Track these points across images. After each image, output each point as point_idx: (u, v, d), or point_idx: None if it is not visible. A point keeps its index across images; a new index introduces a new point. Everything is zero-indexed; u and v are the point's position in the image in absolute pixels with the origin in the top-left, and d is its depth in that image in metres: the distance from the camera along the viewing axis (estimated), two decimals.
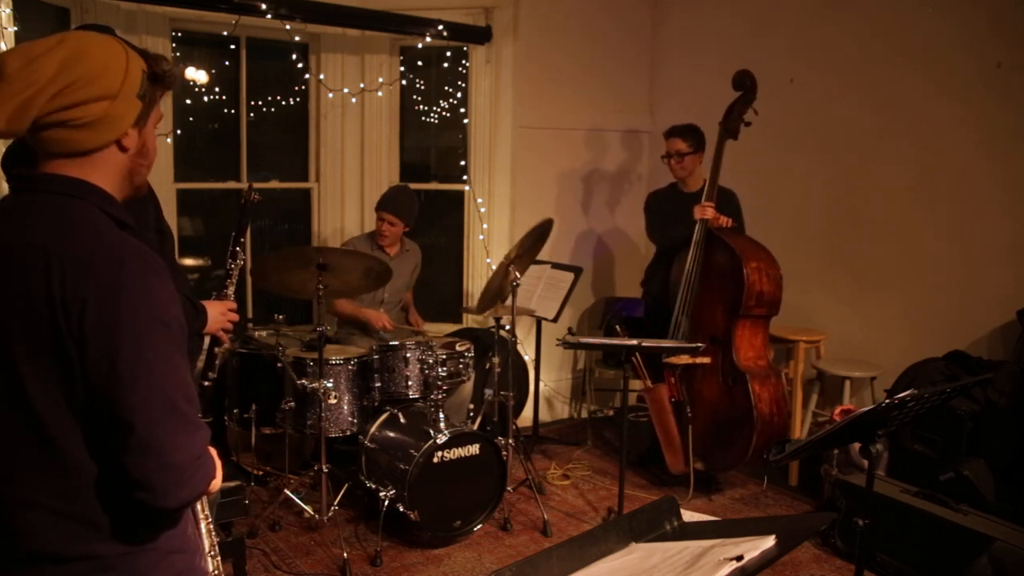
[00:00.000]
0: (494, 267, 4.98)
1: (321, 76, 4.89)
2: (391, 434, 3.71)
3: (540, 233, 3.97)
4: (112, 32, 2.03)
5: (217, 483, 1.47)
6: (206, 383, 2.55)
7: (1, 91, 1.21)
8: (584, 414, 5.50)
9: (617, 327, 3.98)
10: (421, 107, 5.27)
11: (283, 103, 4.95)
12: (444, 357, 3.79)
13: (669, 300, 4.21)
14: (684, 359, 4.07)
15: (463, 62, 5.17)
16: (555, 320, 4.78)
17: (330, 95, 4.91)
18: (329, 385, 3.62)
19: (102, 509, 1.25)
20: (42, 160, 1.29)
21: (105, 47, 1.28)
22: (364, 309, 4.35)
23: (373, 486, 3.64)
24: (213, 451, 1.42)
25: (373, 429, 3.76)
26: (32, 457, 1.24)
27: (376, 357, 3.80)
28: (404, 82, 5.17)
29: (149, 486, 1.21)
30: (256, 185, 4.80)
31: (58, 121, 1.24)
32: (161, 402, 1.21)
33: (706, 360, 4.06)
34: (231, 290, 2.53)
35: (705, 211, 4.06)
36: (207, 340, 2.53)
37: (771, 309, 4.07)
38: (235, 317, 2.36)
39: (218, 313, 2.31)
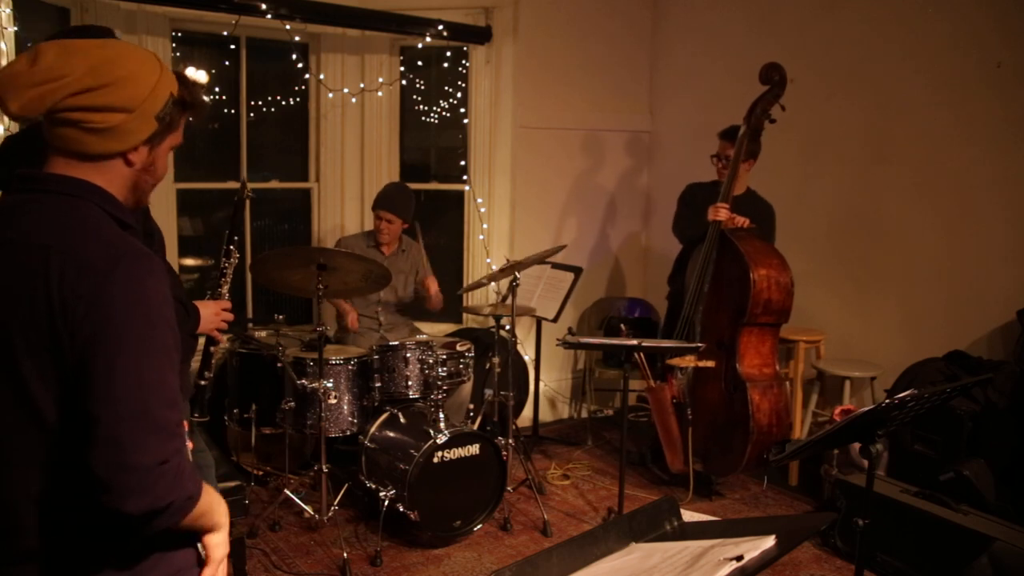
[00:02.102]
0: (494, 267, 4.99)
1: (321, 76, 4.89)
2: (391, 434, 3.71)
3: (550, 254, 4.01)
4: (111, 34, 2.04)
5: (223, 532, 1.39)
6: (203, 382, 2.54)
7: (28, 76, 1.23)
8: (584, 414, 5.50)
9: (622, 326, 3.96)
10: (421, 107, 5.27)
11: (283, 103, 4.95)
12: (444, 357, 3.79)
13: (683, 300, 4.16)
14: (688, 361, 4.04)
15: (463, 62, 5.17)
16: (555, 320, 4.78)
17: (330, 95, 4.91)
18: (329, 385, 3.63)
19: (102, 507, 1.25)
20: (50, 156, 1.31)
21: (141, 61, 1.29)
22: (343, 303, 4.36)
23: (373, 486, 3.64)
24: (214, 494, 1.35)
25: (373, 429, 3.76)
26: (34, 453, 1.24)
27: (376, 357, 3.80)
28: (404, 82, 5.17)
29: (108, 486, 1.17)
30: (256, 185, 4.88)
31: (72, 120, 1.25)
32: (133, 400, 1.18)
33: (710, 364, 3.99)
34: (225, 289, 2.52)
35: (718, 212, 3.97)
36: (202, 340, 2.52)
37: (780, 317, 3.98)
38: (229, 317, 2.35)
39: (211, 313, 2.30)
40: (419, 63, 5.22)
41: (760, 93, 4.04)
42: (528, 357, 5.12)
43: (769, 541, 1.48)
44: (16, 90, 1.23)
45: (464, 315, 5.22)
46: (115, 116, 1.27)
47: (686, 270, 4.23)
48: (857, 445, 3.27)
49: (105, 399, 1.17)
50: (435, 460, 3.49)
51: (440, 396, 3.71)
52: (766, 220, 4.16)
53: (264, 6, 4.22)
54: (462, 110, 5.21)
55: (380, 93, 5.03)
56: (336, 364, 3.74)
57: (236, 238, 2.59)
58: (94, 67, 1.24)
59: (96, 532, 1.26)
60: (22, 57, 1.26)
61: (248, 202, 2.90)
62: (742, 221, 4.01)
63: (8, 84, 1.23)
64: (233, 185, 4.79)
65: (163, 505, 1.19)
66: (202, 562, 1.40)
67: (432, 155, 5.50)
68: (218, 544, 1.39)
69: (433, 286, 4.43)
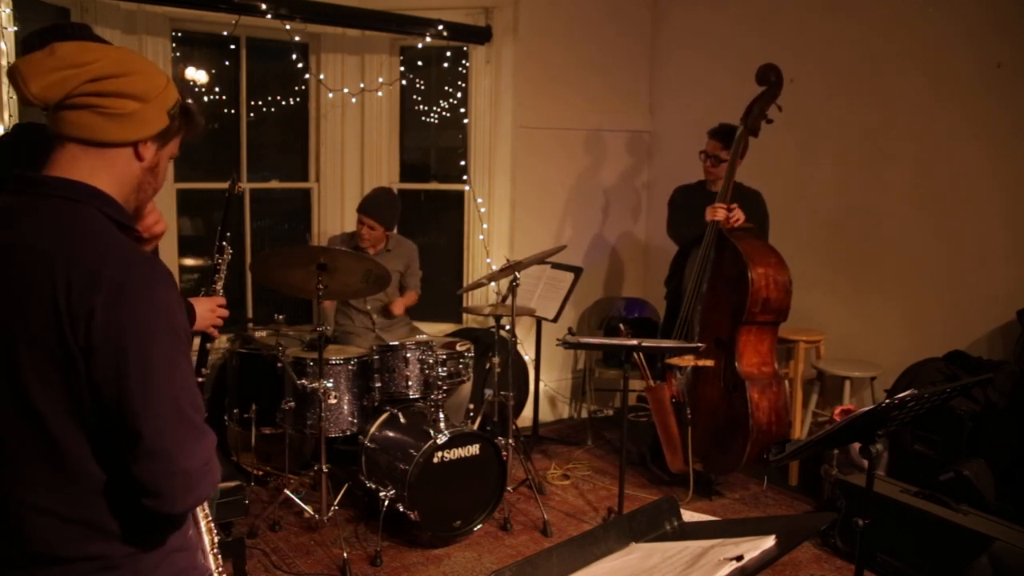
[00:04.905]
0: (494, 267, 4.99)
1: (321, 76, 4.89)
2: (391, 434, 3.71)
3: (550, 254, 4.01)
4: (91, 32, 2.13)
5: None
6: (200, 379, 2.54)
7: (49, 62, 1.26)
8: (584, 414, 5.49)
9: (621, 326, 3.97)
10: (421, 107, 5.27)
11: (283, 103, 4.95)
12: (444, 357, 3.79)
13: (681, 300, 4.17)
14: (687, 360, 4.03)
15: (463, 62, 5.17)
16: (555, 320, 4.78)
17: (330, 95, 4.91)
18: (329, 385, 3.62)
19: (108, 513, 1.25)
20: (55, 150, 1.30)
21: (151, 65, 1.37)
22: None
23: (373, 486, 3.64)
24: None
25: (373, 429, 3.76)
26: (38, 462, 1.23)
27: (376, 357, 3.80)
28: (404, 82, 5.17)
29: (158, 493, 1.22)
30: (256, 185, 4.88)
31: (89, 104, 1.27)
32: (169, 410, 1.22)
33: (709, 363, 4.00)
34: (220, 286, 2.50)
35: (716, 212, 3.97)
36: (198, 339, 2.51)
37: (779, 316, 3.98)
38: (224, 313, 2.33)
39: (207, 310, 2.28)
40: (419, 63, 5.22)
41: (757, 94, 4.04)
42: (528, 357, 5.12)
43: (769, 541, 1.48)
44: (38, 73, 1.25)
45: (464, 315, 5.22)
46: (131, 103, 1.29)
47: (684, 270, 4.24)
48: (857, 445, 3.28)
49: (143, 415, 1.20)
50: (435, 460, 3.49)
51: (440, 396, 3.71)
52: (758, 207, 4.18)
53: (264, 6, 4.22)
54: (462, 110, 5.21)
55: (380, 93, 5.03)
56: (336, 364, 3.74)
57: (228, 234, 2.58)
58: (111, 59, 1.28)
59: (98, 534, 1.26)
60: (37, 52, 1.28)
61: (241, 198, 2.88)
62: (736, 220, 3.98)
63: (29, 68, 1.26)
64: None
65: (204, 498, 1.29)
66: None
67: (432, 155, 5.49)
68: None
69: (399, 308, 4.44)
